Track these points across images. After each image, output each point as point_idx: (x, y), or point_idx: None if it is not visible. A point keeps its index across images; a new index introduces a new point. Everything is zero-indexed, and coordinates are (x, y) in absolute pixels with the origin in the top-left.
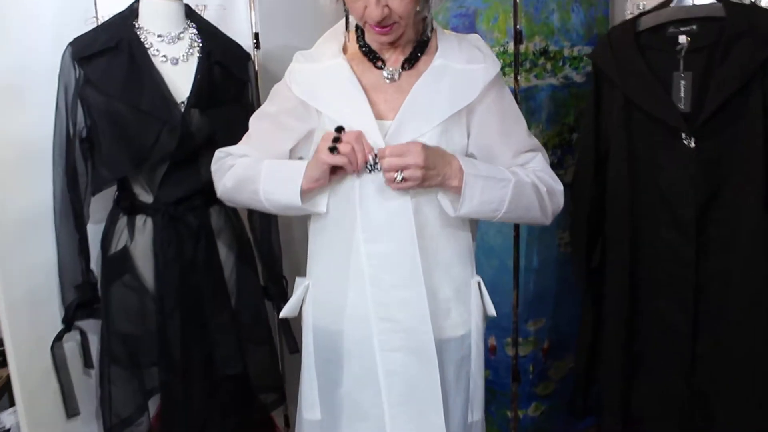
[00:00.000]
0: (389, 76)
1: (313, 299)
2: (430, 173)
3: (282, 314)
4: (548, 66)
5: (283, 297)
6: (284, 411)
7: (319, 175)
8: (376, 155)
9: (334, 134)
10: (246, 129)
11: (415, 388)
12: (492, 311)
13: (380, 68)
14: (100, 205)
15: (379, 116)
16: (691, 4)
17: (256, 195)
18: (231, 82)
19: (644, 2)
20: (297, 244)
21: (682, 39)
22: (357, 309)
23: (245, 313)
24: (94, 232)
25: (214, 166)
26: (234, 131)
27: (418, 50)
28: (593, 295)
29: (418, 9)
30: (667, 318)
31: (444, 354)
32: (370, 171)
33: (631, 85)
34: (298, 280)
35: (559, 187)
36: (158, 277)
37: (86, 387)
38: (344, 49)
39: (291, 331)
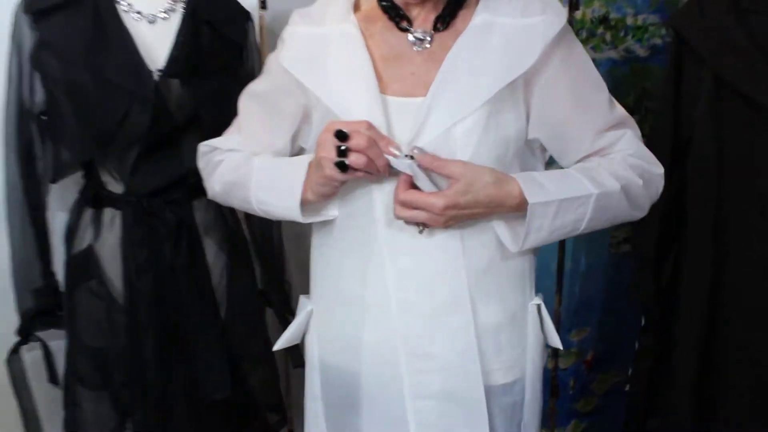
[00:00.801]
0: (417, 41)
1: (319, 329)
2: (467, 213)
3: (277, 346)
4: (608, 36)
5: (287, 303)
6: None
7: (328, 191)
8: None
9: (335, 141)
10: None
11: None
12: (556, 342)
13: (405, 30)
14: (70, 194)
15: (405, 93)
16: None
17: (248, 203)
18: (224, 47)
19: None
20: (306, 240)
21: None
22: (379, 344)
23: (238, 324)
24: (61, 225)
25: (200, 164)
26: (226, 109)
27: (454, 4)
28: (660, 317)
29: None
30: (757, 353)
31: (490, 400)
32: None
33: (726, 62)
34: (301, 300)
35: (658, 170)
36: (128, 284)
37: (57, 401)
38: (356, 6)
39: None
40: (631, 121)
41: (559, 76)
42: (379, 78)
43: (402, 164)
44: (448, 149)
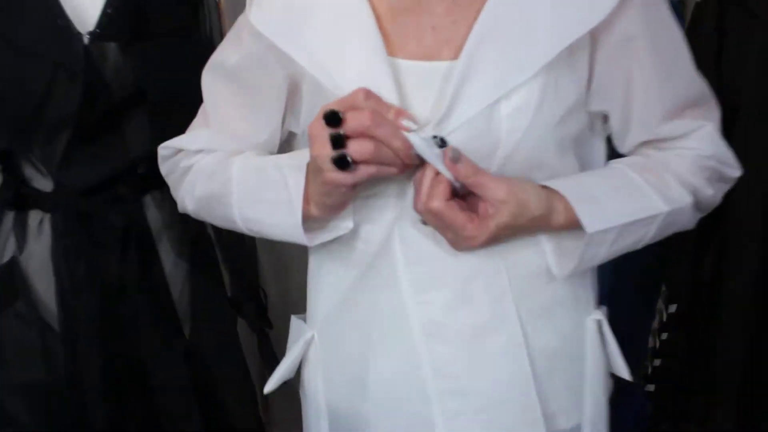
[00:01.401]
0: None
1: (324, 363)
2: (509, 232)
3: (268, 387)
4: None
5: (262, 314)
6: None
7: (335, 201)
8: (435, 138)
9: (327, 129)
10: (197, 77)
11: None
12: (622, 371)
13: None
14: None
15: (424, 55)
16: None
17: (233, 223)
18: (173, 4)
19: None
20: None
21: None
22: (400, 380)
23: (207, 343)
24: None
25: (163, 170)
26: (177, 80)
27: None
28: (696, 315)
29: None
30: None
31: None
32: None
33: None
34: (294, 323)
35: (735, 173)
36: (64, 305)
37: None
38: None
39: (275, 358)
40: (712, 102)
41: (637, 30)
42: (385, 36)
43: (426, 148)
44: (489, 136)
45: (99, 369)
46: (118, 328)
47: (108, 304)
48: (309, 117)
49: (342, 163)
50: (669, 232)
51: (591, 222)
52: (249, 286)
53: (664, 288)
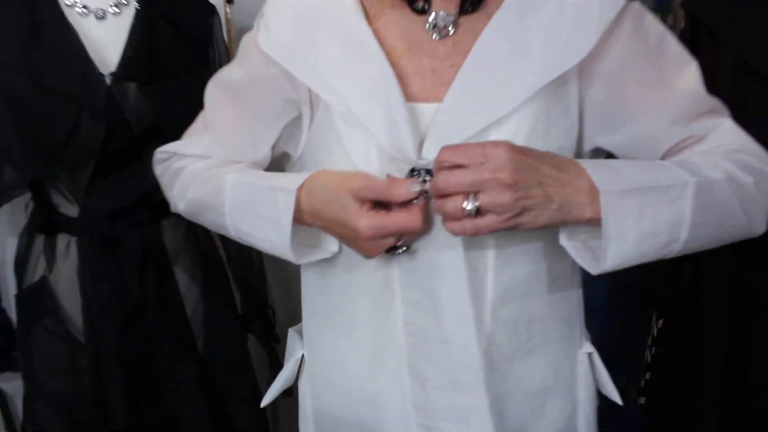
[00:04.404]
0: (437, 27)
1: (312, 381)
2: (526, 203)
3: (265, 401)
4: None
5: (270, 331)
6: None
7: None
8: (424, 173)
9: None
10: None
11: None
12: (613, 395)
13: (422, 12)
14: (20, 218)
15: (421, 98)
16: None
17: (224, 230)
18: (185, 45)
19: None
20: (279, 261)
21: None
22: (391, 408)
23: (220, 359)
24: (11, 255)
25: (157, 171)
26: (191, 116)
27: None
28: (680, 324)
29: None
30: None
31: None
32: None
33: (747, 41)
34: (291, 337)
35: None
36: (89, 321)
37: None
38: None
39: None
40: (726, 112)
41: (627, 60)
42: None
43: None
44: None
45: (120, 380)
46: (137, 342)
47: (129, 319)
48: (312, 143)
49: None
50: (717, 220)
51: (601, 182)
52: (258, 304)
53: None
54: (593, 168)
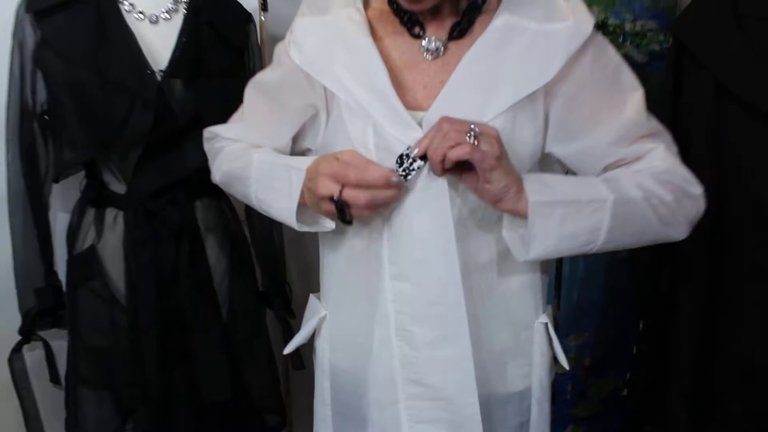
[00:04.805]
0: (430, 50)
1: (331, 336)
2: (498, 164)
3: (287, 349)
4: None
5: (287, 306)
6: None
7: (323, 211)
8: (407, 158)
9: (332, 206)
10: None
11: None
12: (562, 360)
13: (418, 36)
14: (73, 193)
15: (416, 106)
16: None
17: (249, 199)
18: (225, 49)
19: None
20: (305, 242)
21: None
22: (382, 364)
23: (240, 327)
24: (63, 225)
25: (205, 147)
26: (228, 110)
27: (472, 11)
28: (658, 322)
29: None
30: (756, 357)
31: (496, 418)
32: (406, 176)
33: (724, 65)
34: (312, 301)
35: (696, 190)
36: (130, 285)
37: (59, 401)
38: (366, 1)
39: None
40: (667, 136)
41: (584, 86)
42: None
43: (406, 162)
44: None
45: (154, 338)
46: (170, 306)
47: (164, 285)
48: (327, 138)
49: (344, 218)
50: (633, 229)
51: (535, 193)
52: (277, 282)
53: None
54: (528, 180)
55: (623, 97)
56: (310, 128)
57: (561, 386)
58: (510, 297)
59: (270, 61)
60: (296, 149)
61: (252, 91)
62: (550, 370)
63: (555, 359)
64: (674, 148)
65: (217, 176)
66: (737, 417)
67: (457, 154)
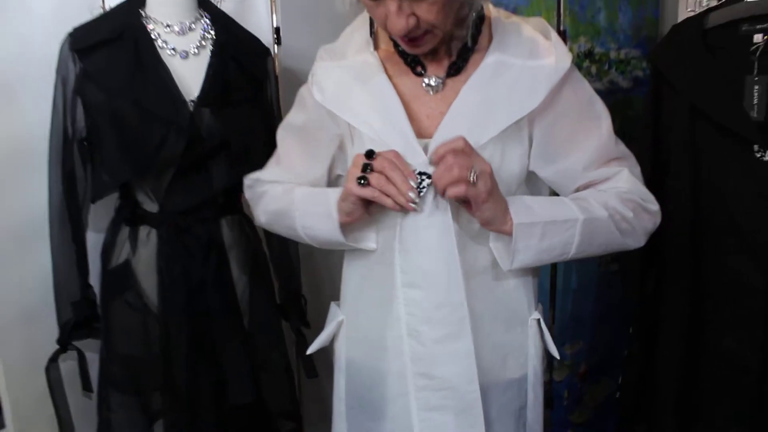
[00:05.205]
0: (431, 86)
1: (348, 336)
2: (489, 200)
3: (311, 349)
4: (593, 69)
5: (302, 317)
6: None
7: (350, 209)
8: (422, 175)
9: (363, 159)
10: (263, 132)
11: None
12: (554, 351)
13: (420, 74)
14: (102, 213)
15: (419, 134)
16: None
17: (295, 231)
18: (247, 80)
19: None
20: (317, 259)
21: (758, 38)
22: (394, 360)
23: (259, 335)
24: (94, 242)
25: (247, 194)
26: (250, 135)
27: (466, 51)
28: (645, 326)
29: (457, 11)
30: (734, 357)
31: (497, 404)
32: (419, 190)
33: (697, 90)
34: (333, 307)
35: (653, 207)
36: (162, 295)
37: (86, 410)
38: (375, 45)
39: (309, 354)
40: (632, 159)
41: (562, 114)
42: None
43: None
44: None
45: (185, 344)
46: (199, 314)
47: (193, 295)
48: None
49: (361, 180)
50: (600, 242)
51: (519, 215)
52: (293, 295)
53: None
54: (512, 204)
55: (596, 124)
56: (338, 157)
57: (557, 393)
58: (506, 297)
59: (284, 90)
60: (330, 177)
61: (283, 134)
62: (543, 360)
63: (547, 351)
64: (636, 170)
65: (262, 218)
66: (721, 416)
67: (455, 192)
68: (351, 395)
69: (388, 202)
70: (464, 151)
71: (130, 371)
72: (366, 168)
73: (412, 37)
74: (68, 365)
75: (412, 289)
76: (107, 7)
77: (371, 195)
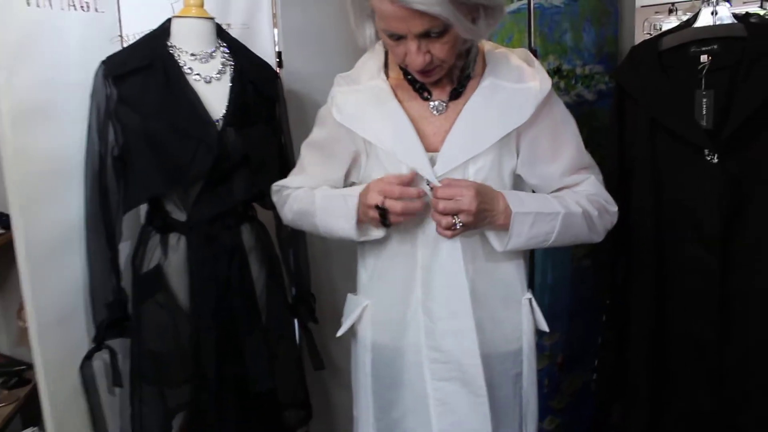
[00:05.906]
0: (436, 108)
1: (372, 318)
2: (480, 217)
3: (340, 332)
4: (561, 84)
5: (311, 314)
6: (307, 429)
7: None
8: (429, 181)
9: (376, 210)
10: (275, 147)
11: (465, 419)
12: (544, 326)
13: (426, 99)
14: (128, 222)
15: (427, 149)
16: (713, 24)
17: (315, 227)
18: (262, 101)
19: (661, 23)
20: (318, 260)
21: (704, 58)
22: (412, 334)
23: (274, 330)
24: (121, 249)
25: (274, 198)
26: (265, 150)
27: (465, 78)
28: (617, 312)
29: (461, 46)
30: (694, 332)
31: (498, 371)
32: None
33: (655, 104)
34: (350, 298)
35: (613, 208)
36: (194, 296)
37: (110, 406)
38: (386, 72)
39: (316, 347)
40: (596, 169)
41: (542, 128)
42: None
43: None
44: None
45: (213, 340)
46: (225, 312)
47: (220, 296)
48: (367, 172)
49: (384, 221)
50: (572, 233)
51: (516, 206)
52: (304, 293)
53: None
54: (509, 198)
55: (570, 138)
56: (354, 167)
57: (539, 381)
58: (504, 279)
59: (293, 113)
60: (346, 183)
61: (307, 148)
62: (535, 334)
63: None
64: (600, 177)
65: (288, 216)
66: (687, 385)
67: (447, 236)
68: (376, 370)
69: (411, 218)
70: (450, 188)
71: (159, 366)
72: (384, 215)
73: (425, 70)
74: (96, 364)
75: (426, 271)
76: (124, 36)
77: (398, 221)
